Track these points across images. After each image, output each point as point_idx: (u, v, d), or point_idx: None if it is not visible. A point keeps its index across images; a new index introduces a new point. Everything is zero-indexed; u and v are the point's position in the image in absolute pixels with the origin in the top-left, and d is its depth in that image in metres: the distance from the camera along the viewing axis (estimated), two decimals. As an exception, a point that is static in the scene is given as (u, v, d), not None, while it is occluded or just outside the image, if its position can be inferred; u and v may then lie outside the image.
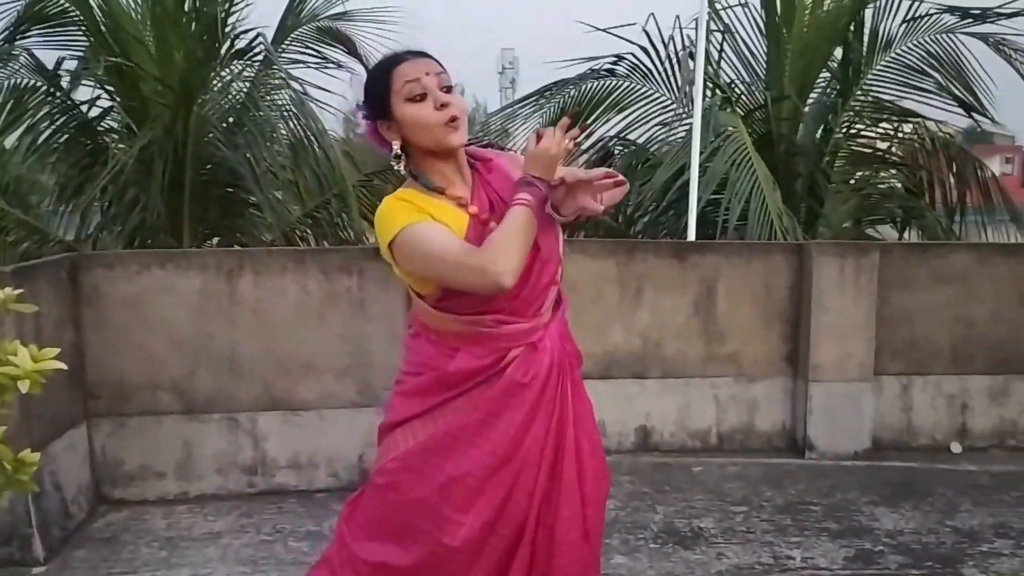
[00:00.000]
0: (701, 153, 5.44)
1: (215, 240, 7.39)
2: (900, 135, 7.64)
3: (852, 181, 7.44)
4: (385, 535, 1.99)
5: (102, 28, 6.67)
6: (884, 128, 7.61)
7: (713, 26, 7.40)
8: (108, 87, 6.88)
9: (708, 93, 6.38)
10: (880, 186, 7.59)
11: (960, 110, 7.28)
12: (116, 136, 7.07)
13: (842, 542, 3.54)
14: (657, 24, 6.92)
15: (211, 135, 6.88)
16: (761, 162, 5.60)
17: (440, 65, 1.91)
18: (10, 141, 6.78)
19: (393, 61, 1.92)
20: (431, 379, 1.98)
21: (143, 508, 3.85)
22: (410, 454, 1.96)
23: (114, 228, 6.79)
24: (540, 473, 1.96)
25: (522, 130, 7.62)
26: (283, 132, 6.88)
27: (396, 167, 1.94)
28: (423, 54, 1.92)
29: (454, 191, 1.93)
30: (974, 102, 7.21)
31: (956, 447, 4.69)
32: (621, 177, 1.91)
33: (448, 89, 1.89)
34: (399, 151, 1.92)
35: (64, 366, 2.33)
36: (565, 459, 1.99)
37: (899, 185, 7.66)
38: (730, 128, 5.78)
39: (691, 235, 4.79)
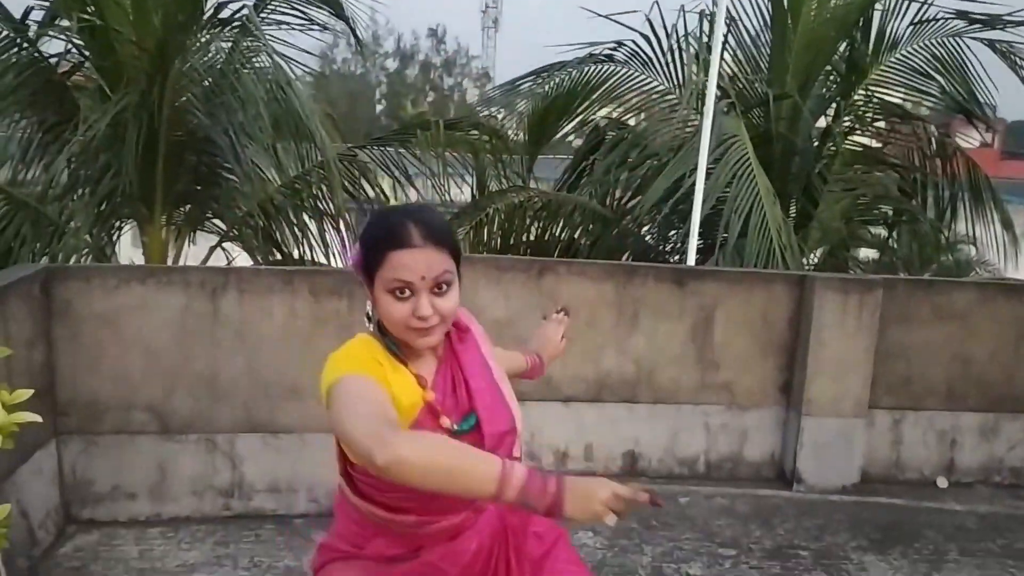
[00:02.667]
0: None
1: (187, 208, 7.13)
2: (897, 135, 7.53)
3: (845, 180, 7.32)
4: None
5: (75, -19, 6.29)
6: (880, 128, 7.49)
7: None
8: (79, 44, 6.53)
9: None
10: (875, 187, 7.48)
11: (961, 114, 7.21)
12: (87, 96, 6.72)
13: (832, 599, 3.50)
14: (660, 11, 6.69)
15: (186, 100, 6.57)
16: (763, 174, 5.45)
17: (449, 248, 1.66)
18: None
19: (400, 239, 1.62)
20: (348, 553, 1.83)
21: (114, 530, 3.68)
22: None
23: (83, 193, 6.49)
24: None
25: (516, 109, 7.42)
26: (262, 99, 6.54)
27: (366, 324, 1.74)
28: (431, 240, 1.63)
29: (418, 366, 1.74)
30: (975, 108, 7.13)
31: (943, 482, 4.67)
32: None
33: (445, 286, 1.65)
34: (370, 312, 1.72)
35: (38, 418, 2.18)
36: None
37: (894, 186, 7.56)
38: (733, 135, 5.60)
39: (691, 259, 4.65)
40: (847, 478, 4.48)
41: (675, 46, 6.75)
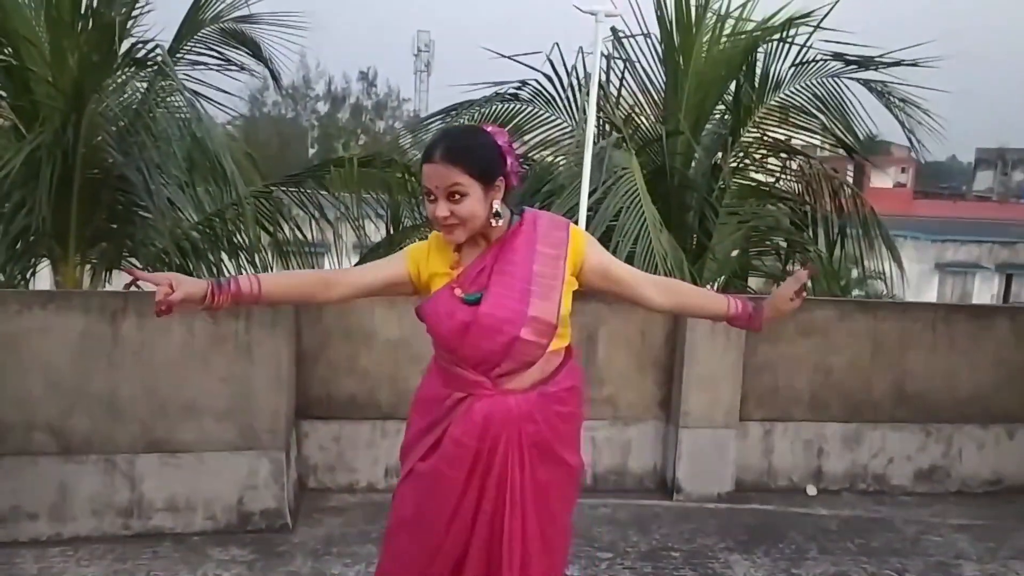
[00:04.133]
0: (595, 191, 5.65)
1: (103, 245, 7.25)
2: (787, 171, 8.01)
3: (740, 213, 7.74)
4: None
5: (-9, 23, 6.46)
6: (773, 164, 7.97)
7: (616, 54, 7.65)
8: (-7, 83, 6.67)
9: (606, 128, 6.58)
10: (767, 219, 7.92)
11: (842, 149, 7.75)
12: (2, 135, 6.84)
13: (696, 592, 3.79)
14: (561, 53, 7.11)
15: (101, 139, 6.73)
16: (650, 204, 5.83)
17: (463, 166, 2.10)
18: None
19: (427, 154, 2.15)
20: (415, 398, 2.41)
21: (14, 550, 3.80)
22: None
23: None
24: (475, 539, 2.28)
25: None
26: (176, 138, 6.71)
27: None
28: (447, 158, 2.11)
29: (467, 252, 2.25)
30: (854, 143, 7.66)
31: (812, 489, 5.03)
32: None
33: (457, 196, 2.11)
34: None
35: None
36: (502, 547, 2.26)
37: (785, 219, 8.01)
38: (623, 167, 5.98)
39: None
40: (722, 486, 4.82)
41: (574, 84, 7.16)
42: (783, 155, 7.92)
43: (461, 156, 2.11)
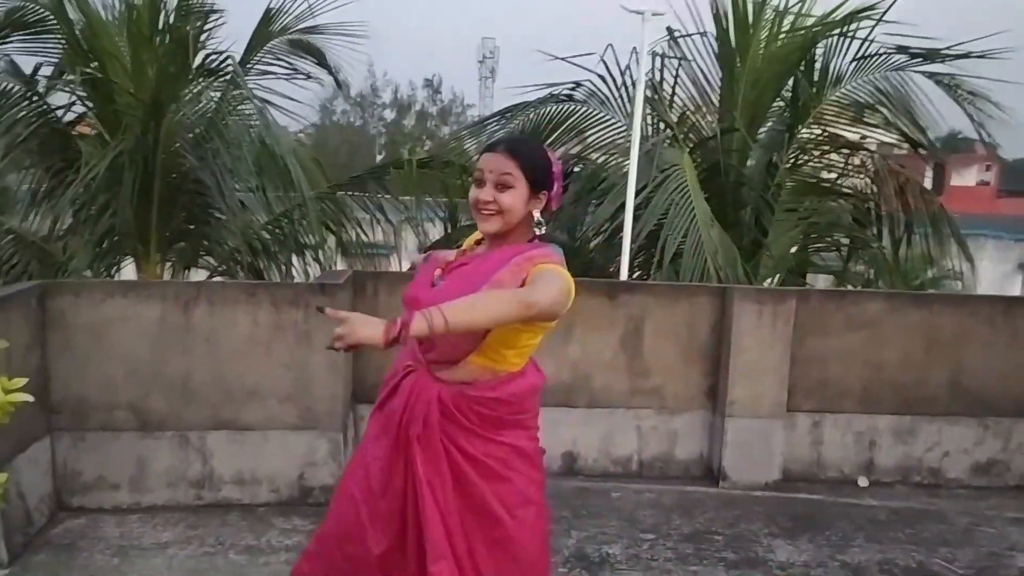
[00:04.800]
0: (645, 188, 5.77)
1: (181, 244, 7.66)
2: (850, 167, 7.94)
3: (798, 210, 7.72)
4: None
5: (79, 39, 6.91)
6: (834, 159, 7.92)
7: (672, 53, 7.74)
8: (81, 95, 7.13)
9: (660, 127, 6.69)
10: (827, 216, 7.88)
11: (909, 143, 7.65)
12: (89, 143, 7.29)
13: (736, 572, 3.88)
14: (615, 54, 7.24)
15: (178, 146, 7.11)
16: (702, 200, 5.92)
17: (519, 161, 2.26)
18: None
19: (490, 145, 2.36)
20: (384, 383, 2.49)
21: (99, 516, 4.14)
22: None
23: (84, 232, 7.02)
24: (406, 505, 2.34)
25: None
26: (247, 144, 7.04)
27: None
28: (509, 150, 2.29)
29: (473, 249, 2.44)
30: (930, 141, 7.55)
31: (863, 481, 5.05)
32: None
33: (504, 187, 2.25)
34: None
35: (30, 398, 2.57)
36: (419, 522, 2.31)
37: (847, 216, 7.95)
38: (674, 165, 6.09)
39: (623, 274, 5.10)
40: (768, 475, 4.88)
41: (628, 84, 7.28)
42: (845, 151, 7.86)
43: (521, 153, 2.29)
